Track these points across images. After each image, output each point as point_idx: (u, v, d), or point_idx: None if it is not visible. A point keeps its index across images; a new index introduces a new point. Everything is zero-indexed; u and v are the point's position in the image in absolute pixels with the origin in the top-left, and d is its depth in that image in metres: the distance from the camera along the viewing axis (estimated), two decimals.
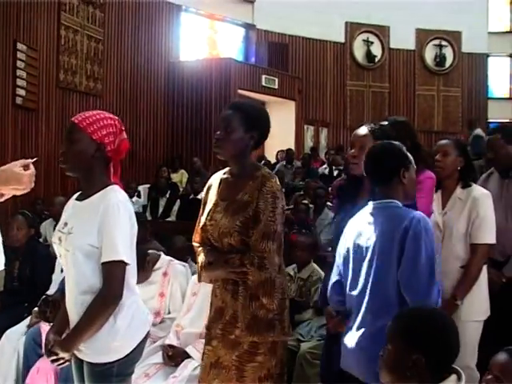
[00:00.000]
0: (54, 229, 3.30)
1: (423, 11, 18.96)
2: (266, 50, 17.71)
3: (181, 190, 12.66)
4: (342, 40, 19.50)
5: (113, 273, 2.98)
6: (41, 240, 8.30)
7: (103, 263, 2.98)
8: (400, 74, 20.06)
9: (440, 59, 20.18)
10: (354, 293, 3.31)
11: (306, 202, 10.21)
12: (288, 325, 3.49)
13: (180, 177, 14.02)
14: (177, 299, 5.16)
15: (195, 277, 4.38)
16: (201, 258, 3.49)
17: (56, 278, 5.75)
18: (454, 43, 20.10)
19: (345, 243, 3.44)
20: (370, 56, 19.78)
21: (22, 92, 11.39)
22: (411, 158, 3.38)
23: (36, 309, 5.57)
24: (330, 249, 4.46)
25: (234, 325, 3.39)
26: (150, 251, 5.29)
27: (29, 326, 5.49)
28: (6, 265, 3.22)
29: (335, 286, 3.48)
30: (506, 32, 21.02)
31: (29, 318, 5.60)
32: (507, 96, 21.10)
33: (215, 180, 3.63)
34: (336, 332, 3.69)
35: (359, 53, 19.74)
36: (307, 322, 5.59)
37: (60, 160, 3.12)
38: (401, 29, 19.32)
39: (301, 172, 14.11)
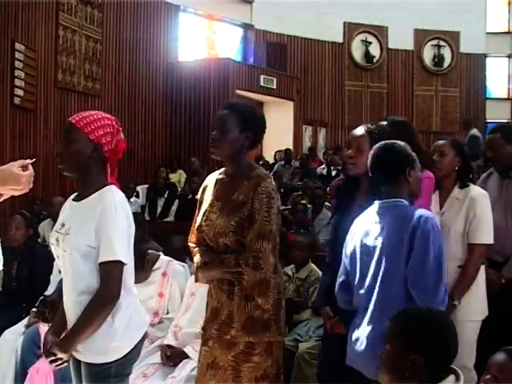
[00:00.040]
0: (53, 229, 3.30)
1: (421, 11, 18.98)
2: (265, 50, 17.71)
3: (179, 190, 12.65)
4: (341, 40, 19.50)
5: (110, 273, 2.97)
6: (39, 240, 8.31)
7: (100, 263, 2.98)
8: (398, 74, 20.06)
9: (438, 59, 20.18)
10: (362, 291, 3.34)
11: (304, 202, 10.23)
12: (284, 325, 3.50)
13: (178, 177, 14.01)
14: (176, 299, 5.17)
15: (193, 277, 4.38)
16: (196, 259, 3.50)
17: (54, 278, 5.75)
18: (452, 43, 20.10)
19: (351, 242, 3.45)
20: (368, 56, 19.77)
21: (20, 92, 11.38)
22: (415, 156, 3.41)
23: (34, 309, 5.57)
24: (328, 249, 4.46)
25: (229, 325, 3.40)
26: (149, 251, 5.30)
27: (27, 326, 5.49)
28: (4, 265, 3.23)
29: (342, 285, 3.50)
30: (505, 32, 21.01)
31: (27, 318, 5.59)
32: (505, 96, 21.10)
33: (211, 180, 3.64)
34: (333, 332, 3.70)
35: (357, 53, 19.73)
36: (305, 322, 5.60)
37: (57, 160, 3.12)
38: (399, 29, 19.31)
39: (299, 172, 14.11)
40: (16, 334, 5.46)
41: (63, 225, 3.12)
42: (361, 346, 3.29)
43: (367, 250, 3.33)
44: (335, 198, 4.30)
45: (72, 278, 3.07)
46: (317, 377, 4.06)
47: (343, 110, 19.44)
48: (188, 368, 4.64)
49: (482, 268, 4.26)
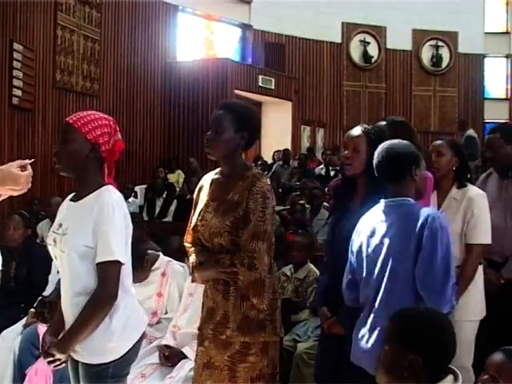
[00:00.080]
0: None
1: (420, 12, 19.01)
2: (263, 51, 17.71)
3: (177, 190, 12.65)
4: (339, 40, 19.51)
5: (108, 273, 2.97)
6: (37, 240, 8.30)
7: (98, 263, 2.97)
8: (396, 74, 20.08)
9: (436, 60, 20.20)
10: (369, 289, 3.35)
11: (302, 202, 10.24)
12: (280, 325, 3.50)
13: (177, 177, 14.01)
14: (174, 299, 5.17)
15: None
16: (192, 259, 3.51)
17: (52, 278, 5.74)
18: (450, 44, 20.13)
19: (357, 240, 3.46)
20: (366, 56, 19.79)
21: (18, 92, 11.38)
22: (421, 155, 3.43)
23: (32, 309, 5.57)
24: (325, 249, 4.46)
25: (225, 325, 3.40)
26: (149, 251, 5.31)
27: (25, 326, 5.48)
28: (2, 265, 3.23)
29: (349, 283, 3.50)
30: (503, 33, 21.05)
31: (25, 318, 5.59)
32: (503, 96, 21.12)
33: (206, 181, 3.64)
34: (330, 333, 3.70)
35: (356, 53, 19.75)
36: (304, 323, 5.60)
37: (54, 160, 3.12)
38: (397, 29, 19.34)
39: (297, 172, 14.12)
40: (14, 334, 5.46)
41: (60, 225, 3.11)
42: (367, 343, 3.30)
43: (374, 248, 3.34)
44: (333, 198, 4.30)
45: (69, 279, 3.07)
46: (314, 377, 4.06)
47: (341, 111, 19.46)
48: (186, 368, 4.63)
49: (480, 268, 4.26)
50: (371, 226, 3.40)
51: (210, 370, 3.46)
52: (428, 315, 2.63)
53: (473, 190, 4.30)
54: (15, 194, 3.01)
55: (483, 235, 4.19)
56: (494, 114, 20.05)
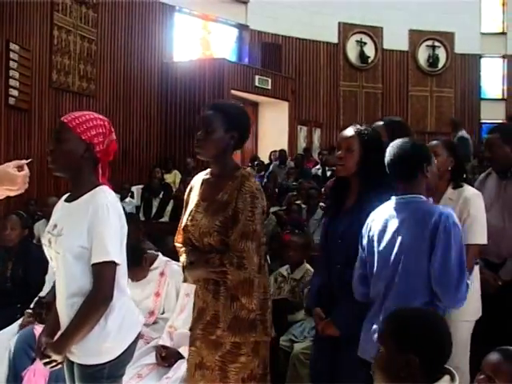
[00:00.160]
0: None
1: (416, 12, 19.02)
2: (260, 51, 17.71)
3: (174, 190, 12.65)
4: (335, 41, 19.52)
5: (103, 274, 2.97)
6: (34, 241, 8.29)
7: (93, 264, 2.97)
8: (393, 74, 20.09)
9: (433, 60, 20.22)
10: (380, 285, 3.37)
11: (298, 202, 10.25)
12: (270, 325, 3.51)
13: (173, 177, 14.01)
14: (172, 298, 5.17)
15: None
16: (182, 259, 3.51)
17: (49, 278, 5.73)
18: (446, 44, 20.14)
19: (368, 236, 3.47)
20: (363, 57, 19.80)
21: (14, 92, 11.36)
22: (432, 152, 3.45)
23: (29, 310, 5.56)
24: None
25: (215, 325, 3.40)
26: (148, 251, 5.32)
27: (21, 326, 5.47)
28: None
29: (361, 278, 3.51)
30: (499, 33, 21.03)
31: (21, 319, 5.58)
32: (500, 97, 21.11)
33: (197, 181, 3.66)
34: (325, 334, 3.70)
35: (352, 53, 19.76)
36: (300, 323, 5.60)
37: (48, 160, 3.11)
38: (394, 30, 19.35)
39: (294, 172, 14.13)
40: (10, 334, 5.45)
41: (55, 226, 3.11)
42: (376, 338, 3.31)
43: (386, 245, 3.37)
44: (327, 198, 4.31)
45: (65, 280, 3.06)
46: (310, 377, 4.07)
47: (338, 111, 19.47)
48: (183, 368, 4.62)
49: (476, 268, 4.26)
50: (383, 222, 3.42)
51: (202, 370, 3.47)
52: (423, 315, 2.64)
53: (468, 190, 4.31)
54: (12, 194, 3.01)
55: (479, 235, 4.19)
56: (490, 115, 20.06)
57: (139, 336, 3.27)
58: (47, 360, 3.05)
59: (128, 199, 12.14)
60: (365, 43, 19.80)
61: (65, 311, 3.08)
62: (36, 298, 5.67)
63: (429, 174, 3.42)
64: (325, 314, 3.72)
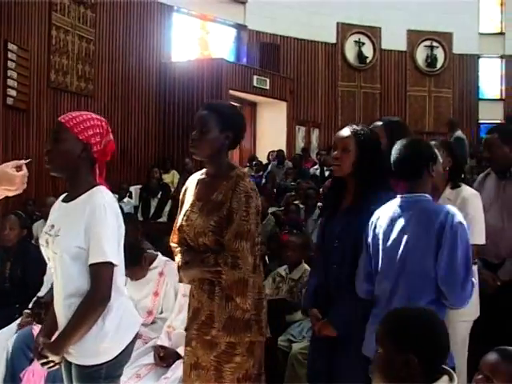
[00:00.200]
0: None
1: (414, 12, 19.03)
2: (258, 51, 17.69)
3: (172, 190, 12.65)
4: (334, 41, 19.52)
5: (100, 274, 2.97)
6: (33, 241, 8.29)
7: (91, 265, 2.97)
8: (391, 74, 20.10)
9: (431, 60, 20.23)
10: (386, 284, 3.38)
11: (296, 202, 10.25)
12: (265, 325, 3.51)
13: (171, 177, 14.00)
14: (170, 298, 5.18)
15: None
16: (178, 258, 3.52)
17: (47, 279, 5.72)
18: (445, 44, 20.15)
19: (374, 234, 3.48)
20: (361, 57, 19.80)
21: (12, 92, 11.36)
22: (437, 151, 3.46)
23: (27, 310, 5.56)
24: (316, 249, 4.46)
25: (210, 325, 3.41)
26: (148, 251, 5.33)
27: (19, 326, 5.47)
28: None
29: (366, 275, 3.51)
30: (497, 33, 21.05)
31: (19, 319, 5.58)
32: (498, 97, 21.13)
33: (192, 181, 3.66)
34: (321, 334, 3.69)
35: (350, 54, 19.76)
36: (299, 323, 5.60)
37: (45, 160, 3.10)
38: (392, 30, 19.35)
39: (292, 172, 14.13)
40: (8, 334, 5.45)
41: (52, 226, 3.11)
42: None
43: (392, 243, 3.37)
44: (323, 199, 4.32)
45: (62, 280, 3.06)
46: (307, 377, 4.07)
47: (336, 111, 19.47)
48: (181, 369, 4.62)
49: (475, 268, 4.26)
50: (388, 221, 3.42)
51: (197, 370, 3.48)
52: (421, 315, 2.64)
53: (466, 190, 4.31)
54: (10, 194, 3.01)
55: (477, 235, 4.19)
56: (488, 115, 20.07)
57: (137, 336, 3.26)
58: (44, 360, 3.05)
59: (126, 199, 12.13)
60: (363, 43, 19.80)
61: (62, 312, 3.08)
62: (34, 298, 5.66)
63: (434, 173, 3.44)
64: (321, 315, 3.72)
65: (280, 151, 15.31)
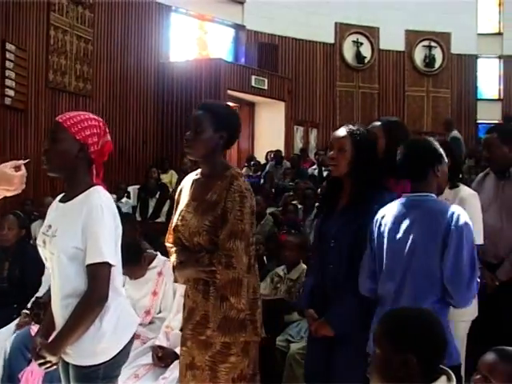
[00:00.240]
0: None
1: (413, 12, 19.04)
2: (256, 51, 17.69)
3: (170, 190, 12.64)
4: (332, 41, 19.53)
5: (98, 275, 2.96)
6: (31, 241, 8.28)
7: (88, 265, 2.97)
8: (389, 74, 20.11)
9: (429, 60, 20.24)
10: (391, 282, 3.38)
11: (295, 202, 10.25)
12: (260, 325, 3.50)
13: (170, 177, 13.99)
14: (169, 298, 5.17)
15: None
16: (173, 258, 3.52)
17: (46, 279, 5.72)
18: (443, 44, 20.16)
19: (379, 233, 3.48)
20: (359, 57, 19.81)
21: (10, 92, 11.36)
22: (443, 152, 3.47)
23: (25, 310, 5.55)
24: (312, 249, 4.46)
25: (204, 325, 3.41)
26: (148, 250, 5.33)
27: (17, 326, 5.47)
28: None
29: (368, 273, 3.51)
30: (495, 33, 21.05)
31: (18, 319, 5.58)
32: (496, 97, 21.14)
33: (187, 181, 3.66)
34: (318, 334, 3.69)
35: (349, 54, 19.77)
36: (297, 323, 5.60)
37: (42, 160, 3.10)
38: (390, 30, 19.37)
39: (290, 173, 14.13)
40: (6, 334, 5.44)
41: (50, 226, 3.10)
42: None
43: (397, 243, 3.38)
44: (319, 199, 4.31)
45: (59, 280, 3.06)
46: (304, 377, 4.07)
47: (334, 111, 19.48)
48: None
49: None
50: (393, 220, 3.43)
51: (192, 370, 3.48)
52: (419, 315, 2.64)
53: (465, 191, 4.31)
54: (9, 194, 3.01)
55: (475, 236, 4.18)
56: (486, 115, 20.08)
57: (135, 336, 3.26)
58: (42, 361, 3.04)
59: (124, 199, 12.13)
60: (361, 43, 19.81)
61: (59, 312, 3.08)
62: (33, 299, 5.66)
63: (439, 173, 3.45)
64: (317, 315, 3.72)
65: (277, 151, 15.30)
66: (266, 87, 16.75)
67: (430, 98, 20.22)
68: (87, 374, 3.03)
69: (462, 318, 4.14)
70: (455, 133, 13.82)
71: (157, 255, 5.33)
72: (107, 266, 2.97)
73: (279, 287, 5.93)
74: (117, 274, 3.10)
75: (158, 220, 11.19)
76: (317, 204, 9.31)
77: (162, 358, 4.81)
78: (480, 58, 20.83)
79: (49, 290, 5.14)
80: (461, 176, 4.52)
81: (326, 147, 16.64)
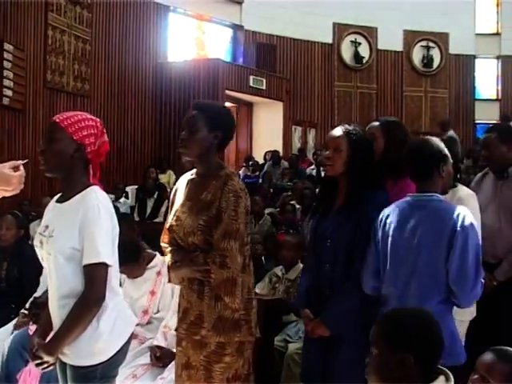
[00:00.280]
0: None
1: (410, 12, 19.05)
2: (254, 51, 17.69)
3: (168, 190, 12.64)
4: (330, 41, 19.53)
5: (95, 275, 2.96)
6: (30, 241, 8.28)
7: (85, 266, 2.96)
8: (387, 75, 20.12)
9: (427, 60, 20.26)
10: (397, 282, 3.39)
11: (293, 202, 10.25)
12: (255, 325, 3.50)
13: (168, 177, 14.00)
14: (167, 298, 5.17)
15: None
16: (168, 258, 3.52)
17: (44, 279, 5.72)
18: (441, 44, 20.18)
19: (383, 232, 3.48)
20: (357, 57, 19.82)
21: (8, 92, 11.35)
22: (448, 152, 3.47)
23: (24, 311, 5.55)
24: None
25: (199, 325, 3.41)
26: (147, 250, 5.33)
27: (15, 326, 5.46)
28: None
29: (372, 273, 3.51)
30: (493, 34, 21.07)
31: (16, 319, 5.57)
32: (494, 97, 21.15)
33: (182, 181, 3.67)
34: (314, 334, 3.69)
35: (347, 54, 19.78)
36: (295, 323, 5.59)
37: (40, 160, 3.10)
38: (388, 30, 19.38)
39: (288, 173, 14.13)
40: (4, 335, 5.44)
41: (47, 227, 3.10)
42: None
43: (402, 243, 3.38)
44: (315, 199, 4.31)
45: (56, 281, 3.06)
46: (301, 377, 4.06)
47: (333, 111, 19.48)
48: None
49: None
50: (398, 220, 3.43)
51: (188, 370, 3.48)
52: (417, 315, 2.64)
53: (462, 191, 4.32)
54: (7, 194, 3.01)
55: None
56: (484, 115, 20.11)
57: (132, 336, 3.26)
58: (39, 361, 3.04)
59: (122, 199, 12.13)
60: (359, 43, 19.82)
61: (57, 312, 3.08)
62: (31, 299, 5.65)
63: (444, 173, 3.45)
64: (313, 315, 3.72)
65: (275, 152, 15.31)
66: (264, 87, 16.75)
67: (428, 98, 20.24)
68: (85, 375, 3.03)
69: (460, 318, 4.14)
70: (451, 133, 13.83)
71: (156, 255, 5.33)
72: (104, 266, 2.97)
73: (277, 287, 5.93)
74: (114, 275, 3.10)
75: (156, 220, 11.18)
76: (315, 204, 9.33)
77: (160, 357, 4.81)
78: (478, 58, 20.84)
79: (47, 290, 5.15)
80: (459, 176, 4.51)
81: (324, 147, 16.64)
